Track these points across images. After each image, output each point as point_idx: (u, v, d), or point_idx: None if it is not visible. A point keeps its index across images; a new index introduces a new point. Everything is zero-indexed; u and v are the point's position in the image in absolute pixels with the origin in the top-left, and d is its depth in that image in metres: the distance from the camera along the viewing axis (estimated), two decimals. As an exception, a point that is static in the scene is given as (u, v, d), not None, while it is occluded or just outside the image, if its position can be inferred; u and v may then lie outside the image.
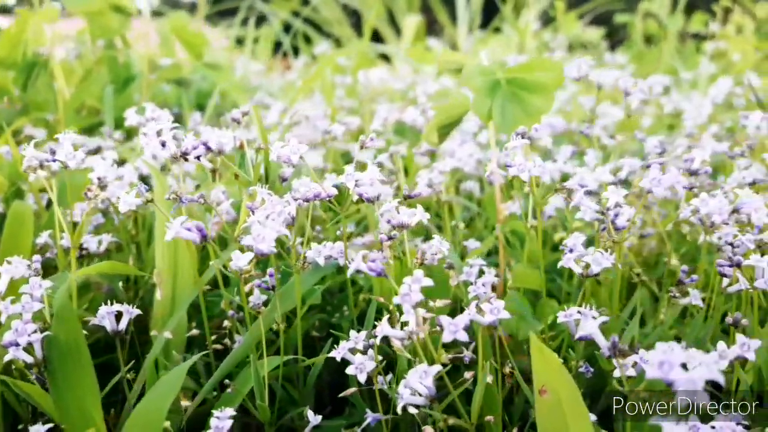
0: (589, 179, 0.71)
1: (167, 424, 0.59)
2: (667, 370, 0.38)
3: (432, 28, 3.30)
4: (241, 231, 0.58)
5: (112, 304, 0.63)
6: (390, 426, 0.60)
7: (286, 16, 3.24)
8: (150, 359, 0.68)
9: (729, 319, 0.56)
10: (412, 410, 0.53)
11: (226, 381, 0.64)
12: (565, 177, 0.97)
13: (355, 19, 3.33)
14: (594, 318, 0.55)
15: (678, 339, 0.78)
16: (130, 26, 1.54)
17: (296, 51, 3.03)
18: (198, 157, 0.68)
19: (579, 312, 0.56)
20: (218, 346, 0.71)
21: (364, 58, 1.66)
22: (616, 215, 0.65)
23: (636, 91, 0.87)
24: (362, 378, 0.54)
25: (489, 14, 3.02)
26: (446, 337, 0.47)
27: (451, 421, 0.50)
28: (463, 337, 0.47)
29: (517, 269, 0.84)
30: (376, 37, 3.34)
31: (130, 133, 1.36)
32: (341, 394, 0.60)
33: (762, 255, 0.57)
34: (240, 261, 0.54)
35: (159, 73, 1.55)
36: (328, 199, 0.63)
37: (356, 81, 1.63)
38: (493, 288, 0.87)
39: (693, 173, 0.69)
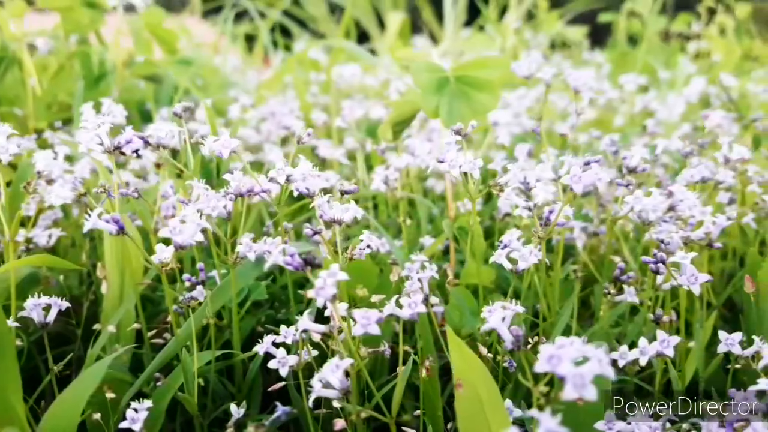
0: (530, 176, 0.71)
1: (98, 415, 0.59)
2: (556, 364, 0.38)
3: (420, 26, 3.30)
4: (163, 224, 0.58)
5: (62, 298, 0.64)
6: (322, 420, 0.61)
7: (274, 14, 3.24)
8: (93, 353, 0.68)
9: (651, 316, 0.56)
10: (337, 404, 0.53)
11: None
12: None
13: (342, 16, 3.32)
14: (516, 313, 0.56)
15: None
16: (103, 22, 1.54)
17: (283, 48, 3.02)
18: (136, 152, 0.68)
19: (503, 307, 0.57)
20: (160, 340, 0.72)
21: (339, 54, 1.65)
22: (551, 212, 0.65)
23: (580, 91, 0.86)
24: (284, 372, 0.54)
25: (475, 13, 3.02)
26: (357, 331, 0.47)
27: (364, 414, 0.50)
28: (375, 330, 0.47)
29: (468, 266, 0.84)
30: (363, 35, 3.34)
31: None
32: (270, 389, 0.60)
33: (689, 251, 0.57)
34: (162, 254, 0.54)
35: (132, 69, 1.54)
36: (263, 193, 0.63)
37: (330, 78, 1.63)
38: (448, 283, 0.87)
39: (631, 171, 0.69)
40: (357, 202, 1.17)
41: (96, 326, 0.74)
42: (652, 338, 0.60)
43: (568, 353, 0.38)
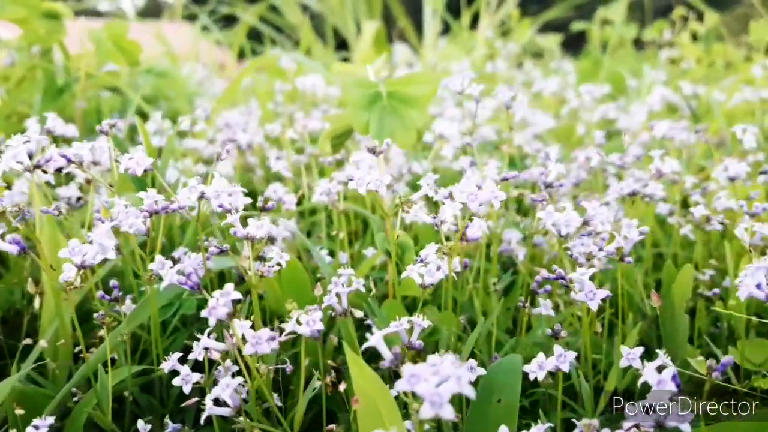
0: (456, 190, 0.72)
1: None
2: (414, 383, 0.39)
3: (400, 35, 3.31)
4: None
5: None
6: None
7: (254, 21, 3.26)
8: (14, 369, 0.69)
9: (549, 331, 0.58)
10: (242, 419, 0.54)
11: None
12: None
13: (320, 23, 3.34)
14: (422, 327, 0.57)
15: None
16: (64, 32, 1.54)
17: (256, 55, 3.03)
18: (60, 169, 0.68)
19: (408, 321, 0.58)
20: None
21: (303, 64, 1.66)
22: (468, 226, 0.66)
23: (510, 107, 0.88)
24: (187, 389, 0.55)
25: (453, 20, 3.04)
26: (247, 350, 0.48)
27: (257, 430, 0.51)
28: (264, 349, 0.48)
29: (406, 278, 0.85)
30: (343, 43, 3.35)
31: (56, 141, 1.37)
32: (183, 404, 0.60)
33: (589, 267, 0.58)
34: (67, 273, 0.55)
35: (94, 80, 1.55)
36: (180, 210, 0.64)
37: (295, 87, 1.64)
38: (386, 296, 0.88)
39: (548, 186, 0.70)
40: (313, 214, 1.19)
41: (26, 341, 0.74)
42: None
43: (426, 372, 0.39)
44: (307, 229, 1.21)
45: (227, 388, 0.48)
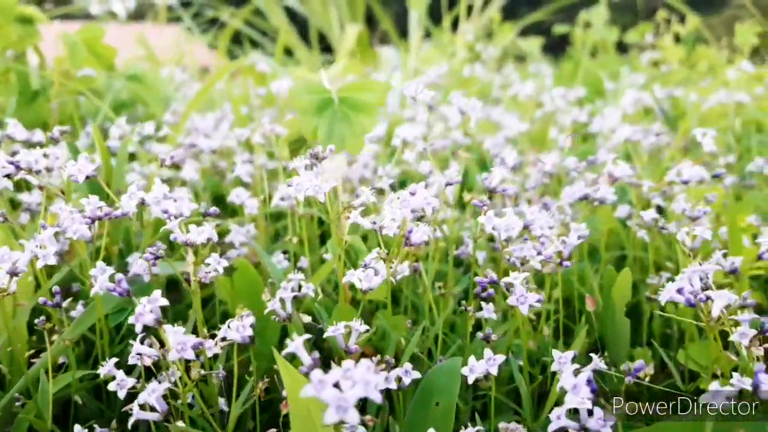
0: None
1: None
2: (320, 389, 0.40)
3: (382, 39, 3.33)
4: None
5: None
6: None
7: (238, 24, 3.26)
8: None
9: (480, 335, 0.58)
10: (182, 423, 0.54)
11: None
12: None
13: (304, 27, 3.35)
14: (359, 332, 0.58)
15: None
16: (38, 37, 1.55)
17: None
18: (8, 176, 0.69)
19: (345, 326, 0.59)
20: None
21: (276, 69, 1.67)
22: (411, 231, 0.67)
23: (465, 112, 0.88)
24: (122, 394, 0.55)
25: (436, 22, 3.05)
26: (172, 356, 0.48)
27: (185, 435, 0.51)
28: (190, 355, 0.49)
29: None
30: (328, 47, 3.36)
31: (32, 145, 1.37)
32: (123, 409, 0.61)
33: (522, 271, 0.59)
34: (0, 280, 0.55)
35: (68, 84, 1.55)
36: (124, 216, 0.64)
37: (270, 91, 1.64)
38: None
39: (491, 191, 0.71)
40: (284, 218, 1.19)
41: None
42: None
43: (330, 378, 0.40)
44: (277, 232, 1.22)
45: (153, 393, 0.49)
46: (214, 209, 0.65)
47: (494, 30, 2.66)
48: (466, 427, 0.58)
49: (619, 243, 1.09)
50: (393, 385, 0.58)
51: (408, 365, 0.59)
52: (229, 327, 0.53)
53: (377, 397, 0.40)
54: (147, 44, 2.71)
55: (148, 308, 0.49)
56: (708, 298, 0.56)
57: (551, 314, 0.77)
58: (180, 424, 0.56)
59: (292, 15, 3.45)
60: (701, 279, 0.62)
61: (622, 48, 3.23)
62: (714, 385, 0.49)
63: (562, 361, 0.58)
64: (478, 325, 0.87)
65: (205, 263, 0.61)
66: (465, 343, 0.72)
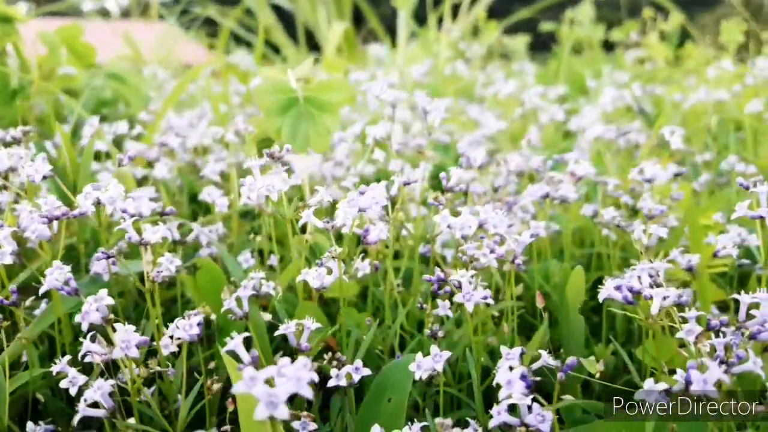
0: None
1: None
2: (251, 385, 0.40)
3: (366, 38, 3.33)
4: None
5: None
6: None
7: (228, 23, 3.26)
8: None
9: (427, 331, 0.59)
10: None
11: None
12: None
13: (294, 25, 3.35)
14: (311, 329, 0.58)
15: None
16: (17, 35, 1.55)
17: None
18: (-33, 175, 0.69)
19: (297, 324, 0.60)
20: None
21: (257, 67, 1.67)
22: (367, 230, 0.68)
23: (428, 112, 0.89)
24: (73, 391, 0.56)
25: (421, 22, 3.06)
26: (116, 353, 0.49)
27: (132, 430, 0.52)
28: (134, 353, 0.49)
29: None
30: (317, 44, 3.37)
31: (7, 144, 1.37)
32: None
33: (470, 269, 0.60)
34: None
35: (47, 83, 1.55)
36: (81, 216, 0.65)
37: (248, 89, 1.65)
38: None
39: (448, 190, 0.72)
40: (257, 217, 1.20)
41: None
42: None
43: (262, 375, 0.40)
44: (253, 231, 1.22)
45: (98, 390, 0.49)
46: (171, 209, 0.66)
47: (480, 28, 2.67)
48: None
49: (593, 241, 1.10)
50: (343, 382, 0.59)
51: (359, 362, 0.60)
52: (177, 326, 0.54)
53: (308, 393, 0.41)
54: (133, 42, 2.71)
55: (93, 307, 0.49)
56: (651, 296, 0.57)
57: (514, 311, 0.78)
58: (131, 421, 0.56)
59: (281, 12, 3.45)
60: (650, 276, 0.63)
61: (609, 46, 3.24)
62: (649, 383, 0.50)
63: (509, 357, 0.59)
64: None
65: (157, 263, 0.62)
66: (423, 339, 0.73)
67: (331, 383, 0.60)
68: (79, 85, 1.72)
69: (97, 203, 0.63)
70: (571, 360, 0.48)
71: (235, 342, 0.48)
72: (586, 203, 1.03)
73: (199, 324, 0.53)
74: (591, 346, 0.84)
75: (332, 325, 0.79)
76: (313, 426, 0.59)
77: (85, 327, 0.49)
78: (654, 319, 0.55)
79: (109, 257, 0.60)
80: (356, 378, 0.59)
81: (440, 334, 0.61)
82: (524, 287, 0.90)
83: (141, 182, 1.14)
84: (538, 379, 0.58)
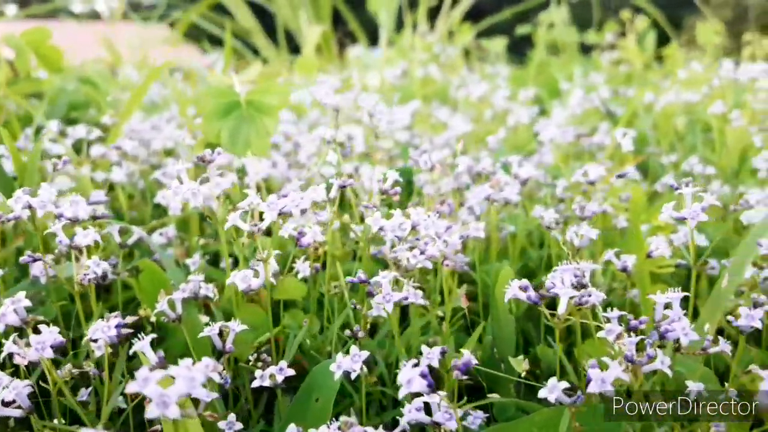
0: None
1: None
2: (144, 385, 0.41)
3: (341, 41, 3.34)
4: None
5: None
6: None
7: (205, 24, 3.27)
8: None
9: (350, 330, 0.60)
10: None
11: None
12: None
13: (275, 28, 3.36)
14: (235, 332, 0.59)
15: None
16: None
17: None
18: None
19: (222, 326, 0.61)
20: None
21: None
22: (300, 233, 0.69)
23: (373, 114, 0.90)
24: (-5, 393, 0.56)
25: (400, 24, 3.07)
26: (31, 355, 0.50)
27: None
28: (49, 354, 0.50)
29: (280, 281, 0.88)
30: (296, 47, 3.38)
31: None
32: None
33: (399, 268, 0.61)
34: None
35: (13, 87, 1.55)
36: (15, 220, 0.65)
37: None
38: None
39: (384, 192, 0.73)
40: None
41: None
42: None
43: (154, 377, 0.41)
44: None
45: (14, 390, 0.50)
46: (103, 212, 0.67)
47: (454, 31, 2.68)
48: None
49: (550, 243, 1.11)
50: (267, 383, 0.60)
51: (283, 363, 0.61)
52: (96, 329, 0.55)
53: (203, 395, 0.42)
54: (111, 45, 2.71)
55: (11, 308, 0.50)
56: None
57: (457, 313, 0.79)
58: (56, 421, 0.57)
59: (265, 15, 3.46)
60: (576, 276, 0.64)
61: (587, 48, 3.26)
62: (552, 381, 0.51)
63: (429, 356, 0.60)
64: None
65: (85, 266, 0.63)
66: (361, 340, 0.74)
67: (254, 384, 0.61)
68: (52, 89, 1.73)
69: (29, 207, 0.64)
70: (466, 357, 0.49)
71: (142, 343, 0.49)
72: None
73: (118, 326, 0.54)
74: (533, 346, 0.85)
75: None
76: (239, 426, 0.61)
77: (1, 328, 0.50)
78: (560, 318, 0.56)
79: (35, 260, 0.61)
80: (279, 379, 0.60)
81: (360, 334, 0.62)
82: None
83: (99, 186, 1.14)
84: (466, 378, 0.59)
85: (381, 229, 0.69)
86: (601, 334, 0.60)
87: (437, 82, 2.18)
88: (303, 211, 0.62)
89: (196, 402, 0.59)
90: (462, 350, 0.62)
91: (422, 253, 0.67)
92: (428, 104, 2.00)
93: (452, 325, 0.85)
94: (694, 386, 0.59)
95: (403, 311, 0.98)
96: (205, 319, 0.74)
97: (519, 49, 3.15)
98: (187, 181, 0.64)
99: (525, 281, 0.58)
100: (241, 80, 0.86)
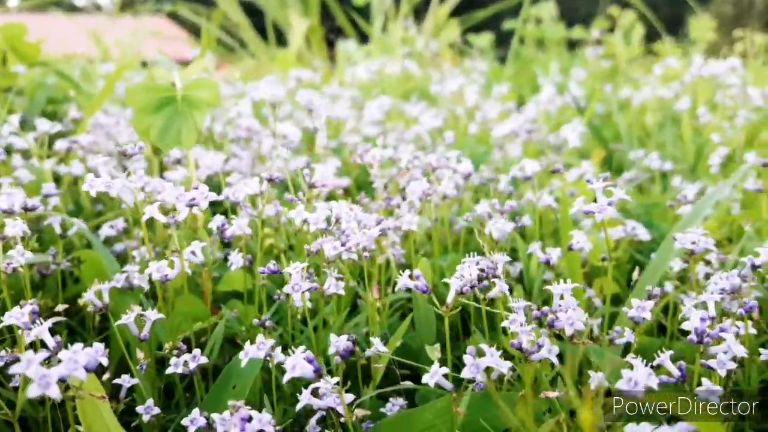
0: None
1: None
2: (26, 366, 0.44)
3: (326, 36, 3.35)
4: None
5: None
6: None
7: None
8: None
9: (256, 321, 0.62)
10: None
11: None
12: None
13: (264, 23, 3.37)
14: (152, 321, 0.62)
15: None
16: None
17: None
18: None
19: (137, 315, 0.63)
20: None
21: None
22: (223, 225, 0.71)
23: (314, 110, 0.92)
24: None
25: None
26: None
27: None
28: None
29: (228, 273, 0.91)
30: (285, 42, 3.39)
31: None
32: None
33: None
34: None
35: (-9, 81, 1.58)
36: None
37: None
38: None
39: (311, 186, 0.75)
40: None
41: None
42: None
43: (38, 358, 0.44)
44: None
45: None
46: (36, 203, 0.70)
47: (439, 26, 2.70)
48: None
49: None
50: (180, 370, 0.63)
51: (196, 351, 0.63)
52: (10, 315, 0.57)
53: (81, 376, 0.45)
54: (99, 40, 2.74)
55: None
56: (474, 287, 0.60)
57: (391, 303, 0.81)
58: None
59: (255, 11, 3.48)
60: (485, 269, 0.66)
61: (578, 44, 3.26)
62: (434, 367, 0.53)
63: (337, 344, 0.62)
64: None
65: (8, 255, 0.65)
66: (287, 330, 0.77)
67: (168, 371, 0.63)
68: (31, 84, 1.76)
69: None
70: (343, 344, 0.52)
71: (41, 329, 0.51)
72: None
73: (33, 313, 0.57)
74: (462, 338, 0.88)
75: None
76: (156, 410, 0.63)
77: None
78: (448, 307, 0.58)
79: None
80: (192, 366, 0.62)
81: (268, 323, 0.64)
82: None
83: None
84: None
85: (305, 221, 0.71)
86: (504, 324, 0.62)
87: (417, 78, 2.20)
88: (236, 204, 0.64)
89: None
90: (374, 339, 0.65)
91: (343, 245, 0.69)
92: (407, 100, 2.02)
93: (390, 315, 0.88)
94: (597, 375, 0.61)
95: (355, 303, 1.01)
96: (136, 309, 0.77)
97: (508, 44, 3.16)
98: (104, 175, 0.66)
99: (417, 270, 0.60)
100: (184, 75, 0.88)
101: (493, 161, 1.31)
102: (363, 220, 0.72)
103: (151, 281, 0.75)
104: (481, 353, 0.52)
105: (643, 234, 1.02)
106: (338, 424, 0.57)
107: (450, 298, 0.58)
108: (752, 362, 0.66)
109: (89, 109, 1.37)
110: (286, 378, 0.50)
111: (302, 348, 0.51)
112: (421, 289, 0.59)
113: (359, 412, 0.62)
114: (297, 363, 0.50)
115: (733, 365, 0.58)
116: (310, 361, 0.50)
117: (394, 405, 0.67)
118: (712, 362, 0.58)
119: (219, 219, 0.74)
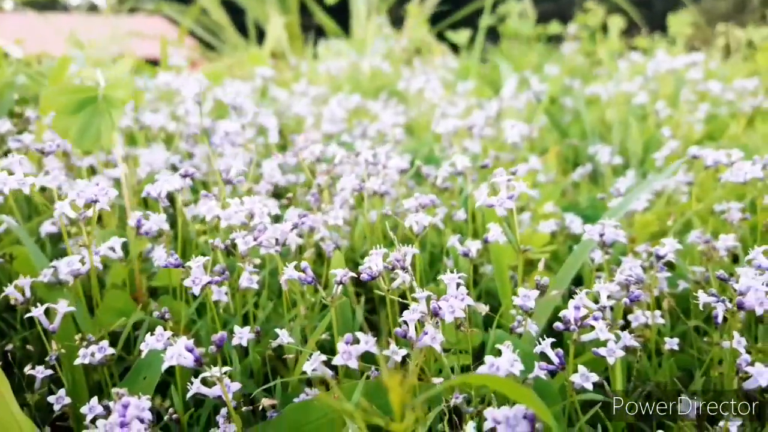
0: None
1: None
2: None
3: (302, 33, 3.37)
4: None
5: None
6: None
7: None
8: None
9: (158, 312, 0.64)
10: None
11: None
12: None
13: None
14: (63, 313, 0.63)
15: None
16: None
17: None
18: None
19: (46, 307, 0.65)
20: None
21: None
22: (139, 221, 0.73)
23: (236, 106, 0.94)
24: None
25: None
26: None
27: None
28: None
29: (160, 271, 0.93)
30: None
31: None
32: None
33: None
34: None
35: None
36: None
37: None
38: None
39: (227, 182, 0.77)
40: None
41: None
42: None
43: None
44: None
45: None
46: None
47: (410, 24, 2.71)
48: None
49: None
50: (87, 360, 0.64)
51: (104, 343, 0.65)
52: None
53: None
54: (77, 40, 2.76)
55: None
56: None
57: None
58: None
59: (237, 10, 3.49)
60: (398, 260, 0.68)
61: (559, 39, 3.27)
62: (314, 355, 0.55)
63: (240, 336, 0.64)
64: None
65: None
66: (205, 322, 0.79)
67: (76, 362, 0.65)
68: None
69: None
70: (219, 336, 0.53)
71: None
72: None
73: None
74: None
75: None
76: (68, 400, 0.65)
77: None
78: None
79: None
80: (99, 356, 0.64)
81: (167, 315, 0.66)
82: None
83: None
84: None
85: (218, 217, 0.72)
86: (405, 314, 0.64)
87: (387, 75, 2.21)
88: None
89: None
90: (280, 331, 0.66)
91: (256, 239, 0.71)
92: (376, 97, 2.03)
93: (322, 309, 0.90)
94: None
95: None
96: (63, 303, 0.79)
97: (491, 41, 3.17)
98: (19, 173, 0.68)
99: (305, 263, 0.61)
100: (109, 74, 0.90)
101: (444, 157, 1.33)
102: (285, 215, 0.74)
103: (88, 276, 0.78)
104: (356, 341, 0.54)
105: (578, 227, 1.03)
106: (233, 413, 0.59)
107: (336, 291, 0.60)
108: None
109: (43, 109, 1.39)
110: (164, 367, 0.52)
111: (184, 338, 0.53)
112: (306, 281, 0.61)
113: (267, 401, 0.64)
114: (175, 352, 0.51)
115: (622, 353, 0.60)
116: (190, 350, 0.52)
117: (309, 394, 0.69)
118: (602, 350, 0.60)
119: (136, 215, 0.75)
